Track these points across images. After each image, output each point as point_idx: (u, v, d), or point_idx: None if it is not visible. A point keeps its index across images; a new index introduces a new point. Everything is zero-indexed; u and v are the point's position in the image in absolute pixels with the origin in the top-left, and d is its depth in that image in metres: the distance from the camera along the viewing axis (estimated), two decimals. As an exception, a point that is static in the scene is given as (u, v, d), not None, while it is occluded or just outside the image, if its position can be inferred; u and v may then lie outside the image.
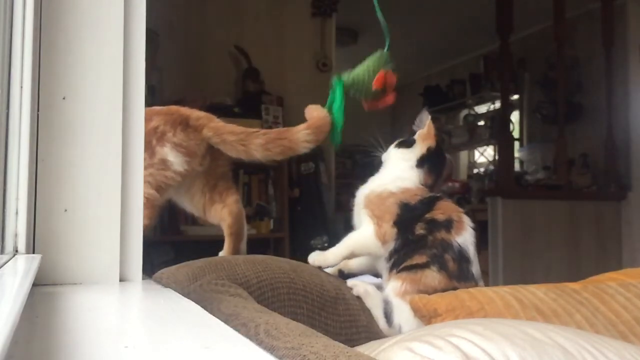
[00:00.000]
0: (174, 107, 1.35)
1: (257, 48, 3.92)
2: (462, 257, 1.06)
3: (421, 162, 1.17)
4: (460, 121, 6.36)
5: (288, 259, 1.09)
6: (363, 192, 1.17)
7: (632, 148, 4.40)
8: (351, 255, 1.17)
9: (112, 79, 0.83)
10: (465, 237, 1.08)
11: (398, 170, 1.17)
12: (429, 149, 1.18)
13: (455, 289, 1.03)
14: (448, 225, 1.07)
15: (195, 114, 1.32)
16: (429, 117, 1.21)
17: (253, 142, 1.25)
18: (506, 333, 0.64)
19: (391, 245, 1.10)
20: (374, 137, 1.24)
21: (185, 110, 1.33)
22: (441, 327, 0.70)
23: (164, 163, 1.25)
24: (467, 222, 1.10)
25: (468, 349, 0.60)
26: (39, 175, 0.79)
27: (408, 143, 1.20)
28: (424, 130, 1.19)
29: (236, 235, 1.32)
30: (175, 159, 1.25)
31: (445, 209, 1.10)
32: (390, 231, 1.10)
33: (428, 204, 1.10)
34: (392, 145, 1.23)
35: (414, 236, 1.08)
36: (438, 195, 1.14)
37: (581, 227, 4.08)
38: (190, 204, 1.38)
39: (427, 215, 1.09)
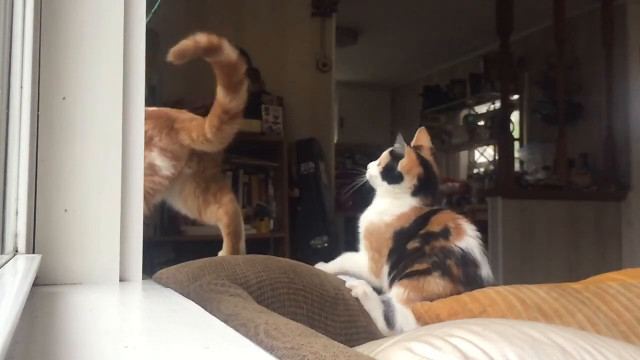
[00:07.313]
0: (163, 110, 1.34)
1: (257, 48, 3.92)
2: (466, 261, 1.04)
3: (416, 192, 1.13)
4: (460, 121, 6.36)
5: (288, 259, 1.09)
6: (363, 222, 1.17)
7: (632, 148, 4.41)
8: (345, 273, 1.17)
9: (112, 79, 0.83)
10: (467, 241, 1.05)
11: (394, 199, 1.14)
12: (419, 178, 1.13)
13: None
14: (445, 233, 1.05)
15: (182, 117, 1.31)
16: (405, 145, 1.14)
17: (209, 131, 1.25)
18: (505, 333, 0.64)
19: (385, 271, 1.11)
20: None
21: (173, 113, 1.33)
22: (440, 327, 0.70)
23: (152, 168, 1.25)
24: (467, 227, 1.07)
25: (467, 349, 0.60)
26: (39, 175, 0.79)
27: (395, 177, 1.13)
28: (405, 161, 1.13)
29: (234, 234, 1.32)
30: (162, 164, 1.26)
31: (440, 220, 1.08)
32: (385, 265, 1.10)
33: (422, 222, 1.09)
34: (379, 175, 1.16)
35: (407, 251, 1.07)
36: (435, 208, 1.12)
37: (581, 227, 4.08)
38: (184, 206, 1.38)
39: (422, 231, 1.07)
